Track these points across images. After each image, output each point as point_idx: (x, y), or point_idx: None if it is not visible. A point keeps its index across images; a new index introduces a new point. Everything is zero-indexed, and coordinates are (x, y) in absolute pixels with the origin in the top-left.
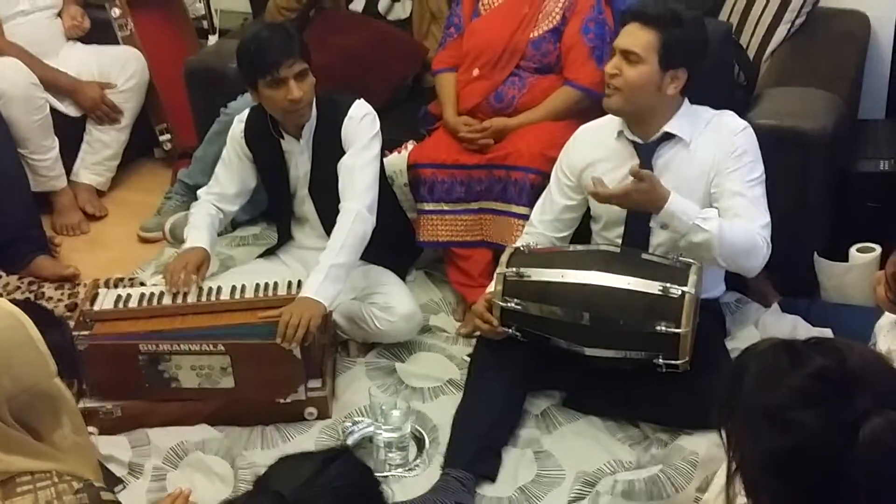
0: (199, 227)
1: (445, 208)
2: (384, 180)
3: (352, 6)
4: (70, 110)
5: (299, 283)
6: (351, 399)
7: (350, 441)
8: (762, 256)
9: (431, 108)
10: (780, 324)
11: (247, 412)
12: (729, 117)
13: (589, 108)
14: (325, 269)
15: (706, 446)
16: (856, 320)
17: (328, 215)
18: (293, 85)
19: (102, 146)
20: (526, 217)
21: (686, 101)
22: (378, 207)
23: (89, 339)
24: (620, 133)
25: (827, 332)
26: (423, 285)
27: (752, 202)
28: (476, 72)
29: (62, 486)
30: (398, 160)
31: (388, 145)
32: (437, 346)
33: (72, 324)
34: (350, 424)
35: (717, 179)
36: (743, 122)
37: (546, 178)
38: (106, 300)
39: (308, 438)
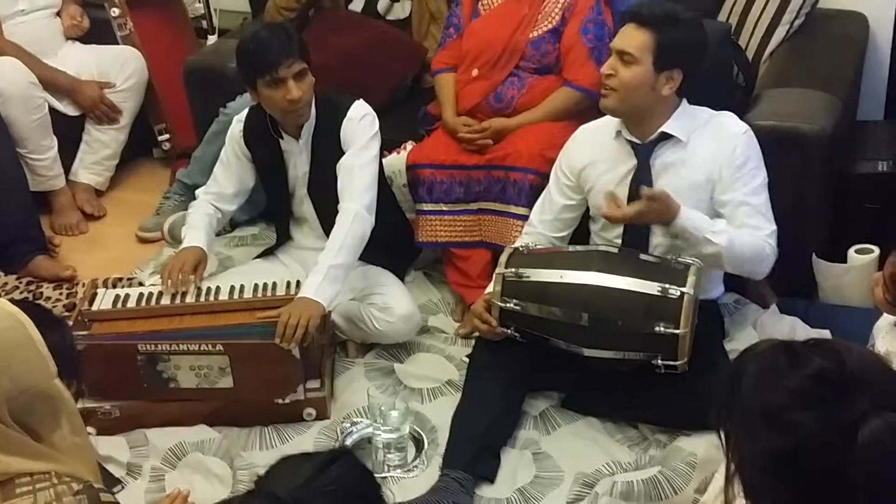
0: (197, 227)
1: (444, 209)
2: (383, 181)
3: (351, 6)
4: (69, 110)
5: (298, 283)
6: (349, 400)
7: (349, 442)
8: (769, 263)
9: (430, 109)
10: (779, 325)
11: (245, 413)
12: (729, 119)
13: (588, 108)
14: (323, 270)
15: (705, 447)
16: (854, 322)
17: (327, 216)
18: (292, 85)
19: (101, 146)
20: (525, 218)
21: (684, 101)
22: (377, 208)
23: (87, 339)
24: (619, 133)
25: (825, 334)
26: (421, 286)
27: (758, 210)
28: (475, 72)
29: (61, 487)
30: (397, 160)
31: (387, 146)
32: (435, 346)
33: (70, 323)
34: (349, 425)
35: (721, 188)
36: (743, 126)
37: (545, 178)
38: (104, 300)
39: (307, 439)
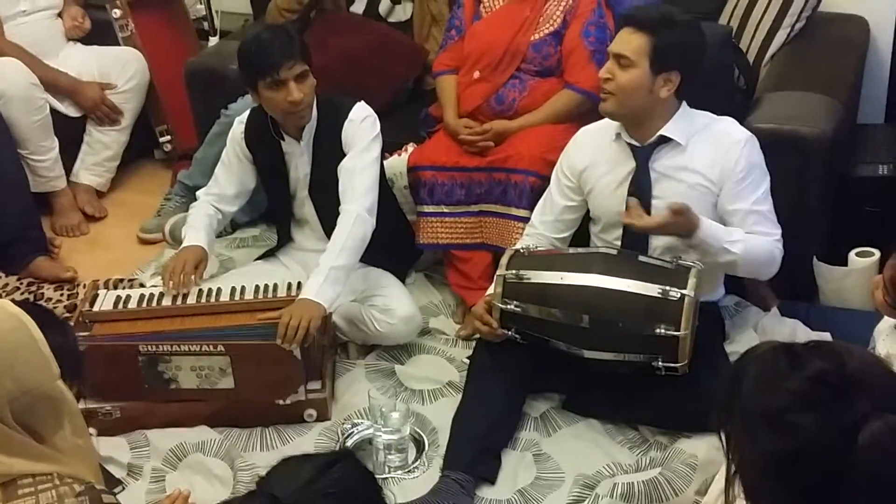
0: (197, 227)
1: (445, 211)
2: (384, 183)
3: (352, 8)
4: (70, 111)
5: (299, 284)
6: (350, 401)
7: (349, 443)
8: (777, 265)
9: (432, 111)
10: (780, 327)
11: (246, 414)
12: (730, 126)
13: (589, 111)
14: (324, 271)
15: (705, 449)
16: (855, 324)
17: (328, 217)
18: (293, 86)
19: (102, 147)
20: (526, 220)
21: (684, 104)
22: (378, 210)
23: (88, 340)
24: (618, 136)
25: (826, 336)
26: (422, 288)
27: (766, 216)
28: (476, 74)
29: (63, 488)
30: (398, 162)
31: (389, 147)
32: (436, 348)
33: (71, 324)
34: (349, 426)
35: (727, 199)
36: (744, 133)
37: (546, 180)
38: (105, 301)
39: (307, 440)
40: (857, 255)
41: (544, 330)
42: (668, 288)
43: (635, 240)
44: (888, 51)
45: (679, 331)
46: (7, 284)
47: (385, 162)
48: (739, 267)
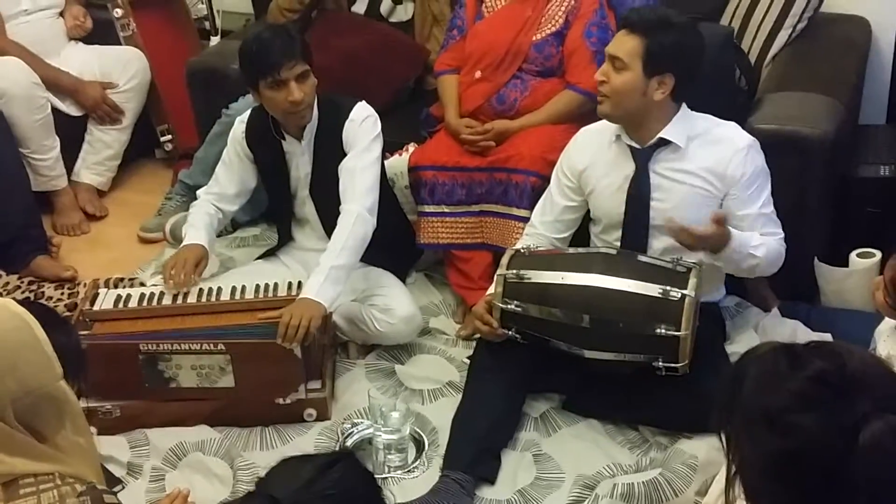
0: (198, 226)
1: (446, 210)
2: (385, 182)
3: (354, 8)
4: (71, 110)
5: (299, 284)
6: (350, 401)
7: (349, 443)
8: (781, 263)
9: (433, 111)
10: (780, 328)
11: (246, 413)
12: (733, 131)
13: (590, 111)
14: (325, 271)
15: (706, 450)
16: (855, 325)
17: (329, 217)
18: (294, 86)
19: (103, 146)
20: (526, 220)
21: (683, 107)
22: (379, 209)
23: (89, 338)
24: (618, 137)
25: (827, 337)
26: (423, 287)
27: (771, 218)
28: (478, 74)
29: (65, 488)
30: (399, 162)
31: (389, 147)
32: (436, 348)
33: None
34: (349, 426)
35: (735, 205)
36: (747, 139)
37: (546, 180)
38: (106, 300)
39: (307, 440)
40: (858, 255)
41: (545, 330)
42: (668, 288)
43: (634, 241)
44: (890, 51)
45: (680, 331)
46: (8, 283)
47: (386, 162)
48: (759, 270)
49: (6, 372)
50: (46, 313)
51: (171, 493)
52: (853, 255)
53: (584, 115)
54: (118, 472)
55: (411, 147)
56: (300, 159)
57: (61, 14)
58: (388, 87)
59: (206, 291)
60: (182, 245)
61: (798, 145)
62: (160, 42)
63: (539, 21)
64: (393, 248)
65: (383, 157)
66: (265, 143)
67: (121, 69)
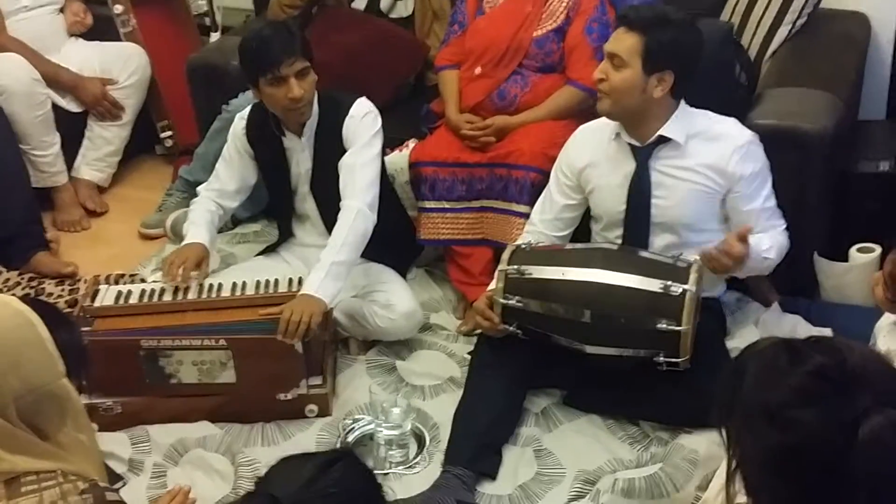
0: (199, 224)
1: (446, 206)
2: (385, 178)
3: (354, 4)
4: (72, 106)
5: (300, 280)
6: (351, 397)
7: (350, 439)
8: (784, 254)
9: (433, 107)
10: (781, 323)
11: (247, 409)
12: (733, 128)
13: (591, 107)
14: (326, 267)
15: (706, 445)
16: (855, 320)
17: (329, 213)
18: (294, 83)
19: (104, 142)
20: (527, 216)
21: (682, 103)
22: (379, 205)
23: (89, 335)
24: (618, 135)
25: (827, 332)
26: (423, 283)
27: (774, 210)
28: (478, 70)
29: (67, 486)
30: (399, 158)
31: (390, 143)
32: (437, 344)
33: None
34: (350, 422)
35: (739, 200)
36: (747, 135)
37: (547, 176)
38: (106, 296)
39: (308, 436)
40: (858, 251)
41: (546, 325)
42: (669, 283)
43: (637, 239)
44: (889, 47)
45: (680, 326)
46: (8, 279)
47: (386, 158)
48: (770, 268)
49: (9, 370)
50: (49, 311)
51: (172, 490)
52: (853, 250)
53: (585, 111)
54: (119, 468)
55: (411, 143)
56: (300, 156)
57: (61, 10)
58: (389, 84)
59: (206, 287)
60: (183, 244)
61: (798, 141)
62: (160, 38)
63: (540, 17)
64: (393, 244)
65: (383, 154)
66: (265, 139)
67: (121, 65)
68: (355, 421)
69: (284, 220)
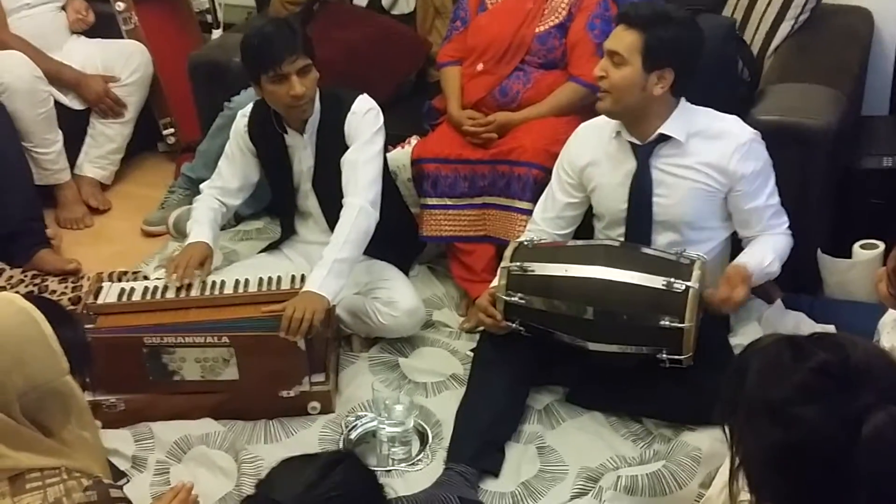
0: (202, 222)
1: (449, 203)
2: (387, 175)
3: (355, 1)
4: (74, 104)
5: (303, 277)
6: (354, 394)
7: (353, 436)
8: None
9: (435, 103)
10: (784, 320)
11: (250, 406)
12: (734, 125)
13: (593, 104)
14: (328, 264)
15: (709, 442)
16: (859, 317)
17: (331, 210)
18: (295, 80)
19: (106, 140)
20: (529, 212)
21: (683, 101)
22: (381, 202)
23: (93, 332)
24: (618, 133)
25: (830, 329)
26: (426, 280)
27: (777, 207)
28: (480, 66)
29: (71, 482)
30: (401, 155)
31: (392, 140)
32: (440, 341)
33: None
34: (353, 419)
35: (742, 198)
36: (748, 133)
37: (549, 173)
38: (109, 294)
39: (311, 433)
40: (862, 247)
41: (549, 322)
42: (672, 280)
43: (639, 237)
44: (892, 42)
45: (684, 322)
46: (12, 277)
47: (388, 154)
48: (775, 274)
49: (13, 368)
50: (52, 308)
51: (175, 487)
52: (856, 246)
53: (587, 107)
54: (123, 465)
55: (414, 140)
56: (302, 153)
57: (63, 8)
58: (390, 80)
59: (209, 285)
60: (186, 242)
61: (800, 137)
62: (162, 35)
63: (542, 13)
64: (396, 241)
65: (385, 150)
66: (267, 136)
67: (123, 63)
68: (358, 418)
69: (287, 217)
